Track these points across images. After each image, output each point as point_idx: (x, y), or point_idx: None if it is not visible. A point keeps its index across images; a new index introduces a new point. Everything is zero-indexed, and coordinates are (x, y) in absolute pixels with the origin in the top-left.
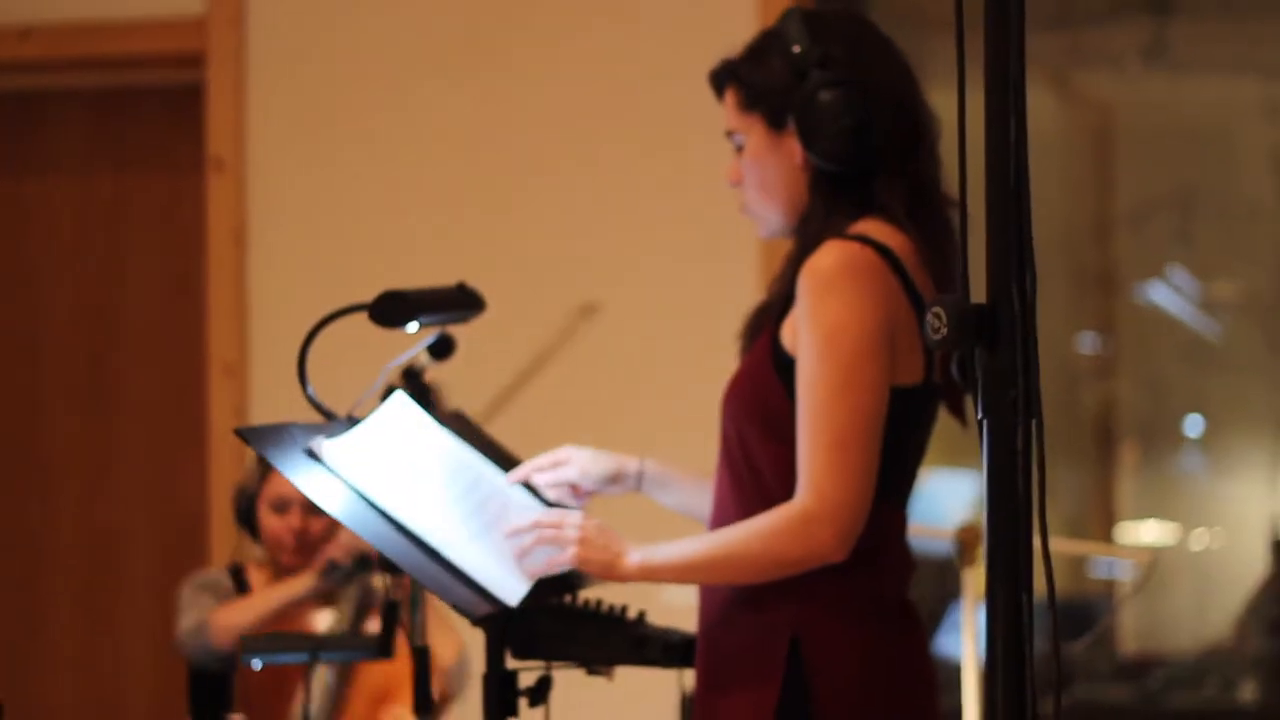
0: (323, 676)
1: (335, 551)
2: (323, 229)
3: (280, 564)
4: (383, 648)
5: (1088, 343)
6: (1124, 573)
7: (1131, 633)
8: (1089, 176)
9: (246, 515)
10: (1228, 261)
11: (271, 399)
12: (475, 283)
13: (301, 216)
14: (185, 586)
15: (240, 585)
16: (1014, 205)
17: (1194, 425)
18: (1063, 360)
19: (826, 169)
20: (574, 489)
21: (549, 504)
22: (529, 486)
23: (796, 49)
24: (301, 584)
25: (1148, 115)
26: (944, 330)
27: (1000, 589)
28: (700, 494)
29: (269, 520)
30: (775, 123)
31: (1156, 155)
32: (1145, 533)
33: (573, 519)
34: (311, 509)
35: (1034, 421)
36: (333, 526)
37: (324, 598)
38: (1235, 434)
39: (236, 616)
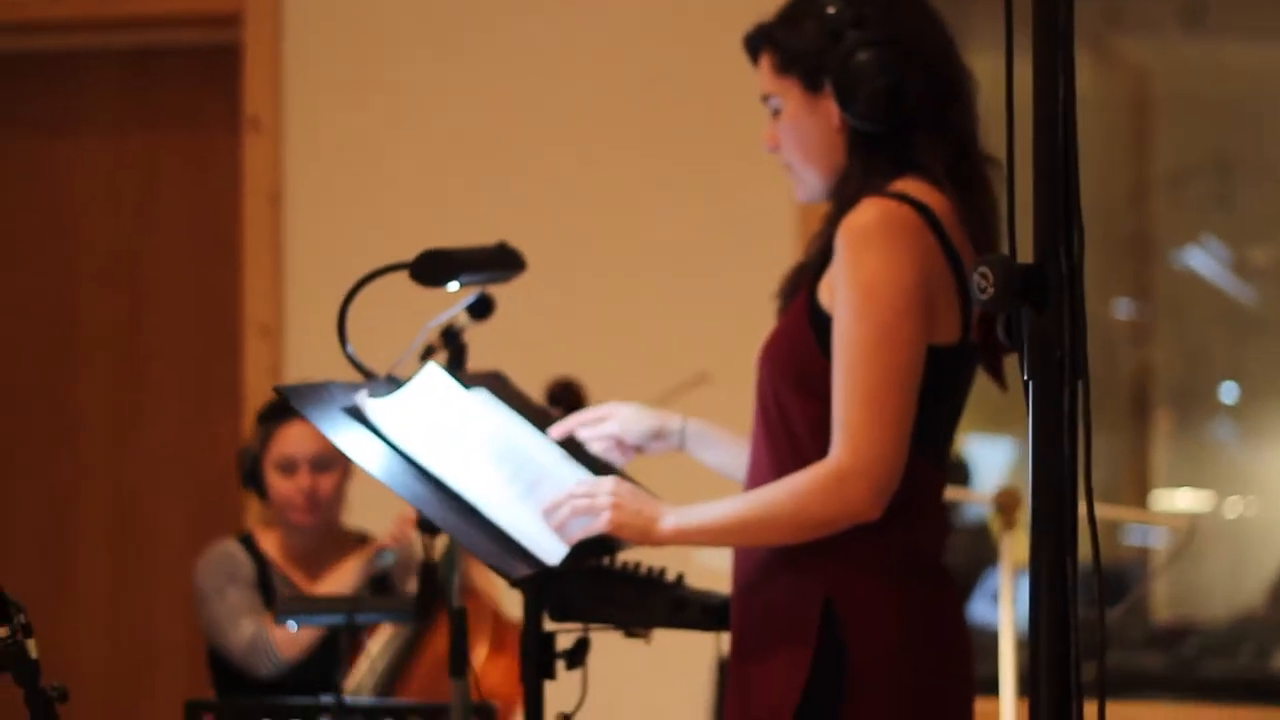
0: (385, 642)
1: (386, 540)
2: (358, 190)
3: (290, 523)
4: (421, 610)
5: (1124, 308)
6: (1158, 540)
7: (1165, 600)
8: (1126, 142)
9: (252, 476)
10: (1265, 227)
11: (307, 361)
12: (511, 243)
13: (337, 178)
14: (202, 573)
15: (255, 555)
16: (1062, 165)
17: (1229, 392)
18: (1098, 326)
19: (864, 129)
20: (618, 444)
21: (591, 464)
22: (573, 446)
23: (831, 10)
24: (351, 573)
25: (1185, 80)
26: (991, 290)
27: (1045, 553)
28: (741, 453)
29: (277, 481)
30: (812, 85)
31: (1193, 121)
32: (1180, 500)
33: (605, 485)
34: (319, 467)
35: (1080, 383)
36: (342, 484)
37: (376, 584)
38: (1271, 401)
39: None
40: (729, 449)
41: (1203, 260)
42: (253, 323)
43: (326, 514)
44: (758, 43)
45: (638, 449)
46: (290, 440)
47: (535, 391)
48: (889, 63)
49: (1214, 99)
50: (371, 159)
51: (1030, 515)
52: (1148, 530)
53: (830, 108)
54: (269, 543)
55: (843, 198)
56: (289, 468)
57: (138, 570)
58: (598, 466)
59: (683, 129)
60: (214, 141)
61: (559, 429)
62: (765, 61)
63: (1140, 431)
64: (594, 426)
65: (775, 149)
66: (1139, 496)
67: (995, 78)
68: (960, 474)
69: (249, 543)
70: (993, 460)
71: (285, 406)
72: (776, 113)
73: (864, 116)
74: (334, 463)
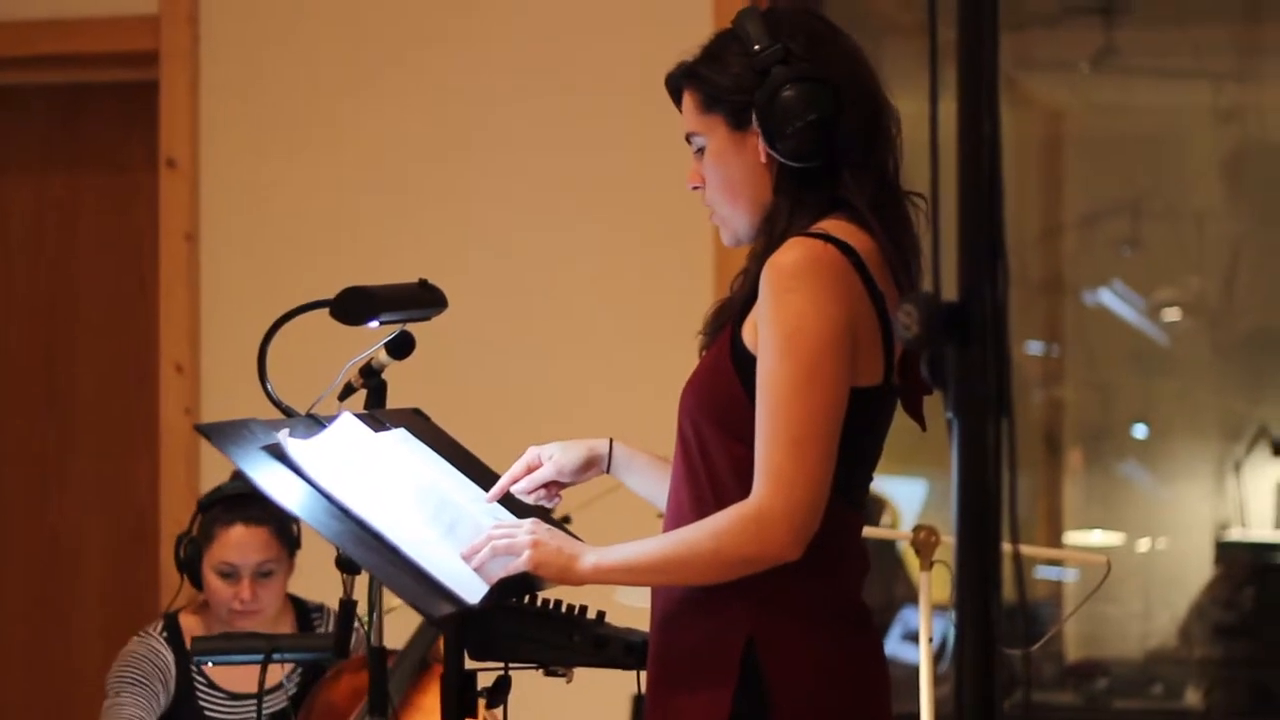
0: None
1: None
2: (275, 229)
3: (220, 620)
4: (339, 648)
5: (1035, 348)
6: (1071, 578)
7: (1077, 638)
8: (1037, 181)
9: (188, 565)
10: (1176, 267)
11: (223, 399)
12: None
13: (254, 216)
14: (112, 670)
15: (177, 647)
16: (987, 202)
17: (1140, 431)
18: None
19: (790, 166)
20: (549, 487)
21: (511, 505)
22: (507, 503)
23: (756, 47)
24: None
25: (1097, 120)
26: (915, 328)
27: (970, 590)
28: (664, 481)
29: (215, 583)
30: (737, 122)
31: (1105, 160)
32: (1092, 540)
33: (525, 525)
34: (262, 575)
35: (1005, 420)
36: (283, 588)
37: None
38: (1181, 439)
39: None
40: (653, 476)
41: (1114, 300)
42: (168, 360)
43: (264, 619)
44: (680, 81)
45: (570, 485)
46: (233, 546)
47: (455, 428)
48: (816, 99)
49: (1125, 139)
50: (288, 199)
51: (956, 554)
52: (1061, 570)
53: (756, 145)
54: (198, 630)
55: (769, 235)
56: (230, 575)
57: (59, 610)
58: (517, 507)
59: (602, 159)
60: (134, 180)
61: (493, 493)
62: (689, 99)
63: (1052, 470)
64: (526, 479)
65: (699, 187)
66: (1051, 535)
67: (915, 119)
68: (875, 510)
69: (174, 632)
70: (908, 499)
71: (229, 498)
72: (700, 151)
73: (791, 153)
74: (277, 568)
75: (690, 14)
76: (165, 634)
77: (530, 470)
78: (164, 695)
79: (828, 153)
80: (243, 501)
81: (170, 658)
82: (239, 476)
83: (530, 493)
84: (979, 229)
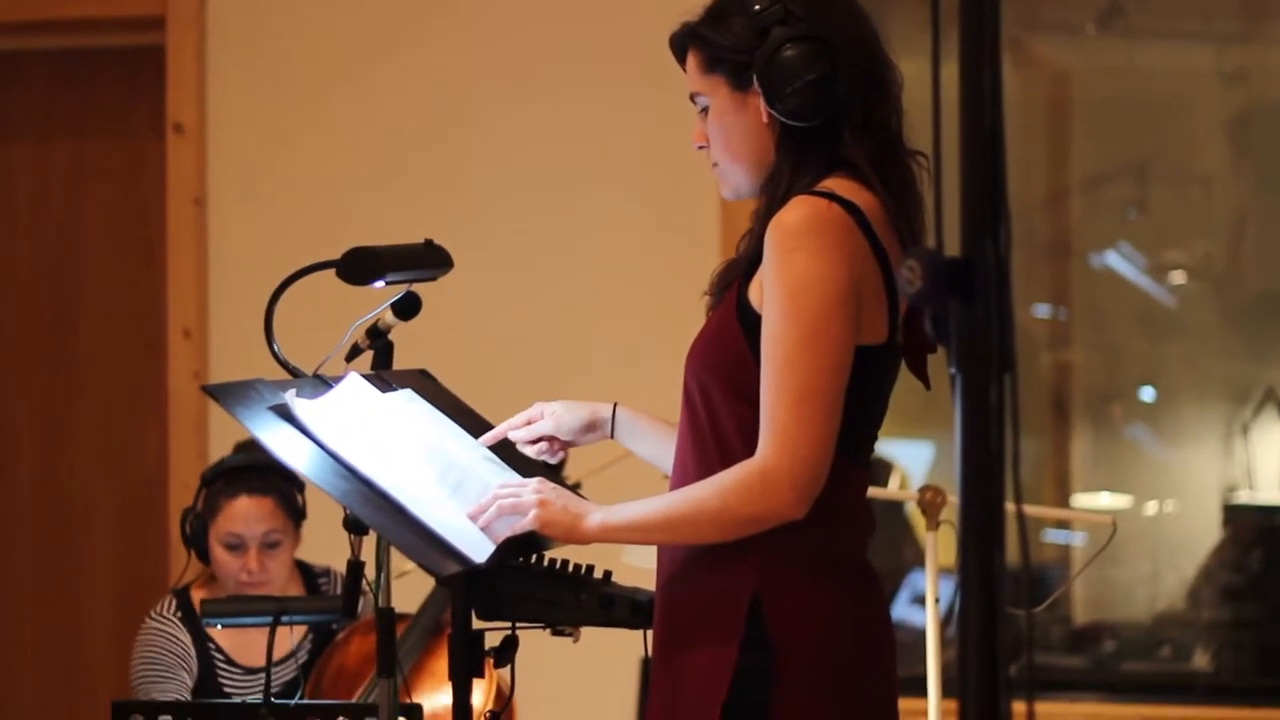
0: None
1: None
2: (282, 195)
3: (229, 593)
4: (347, 608)
5: (1042, 311)
6: (1078, 541)
7: (1084, 601)
8: (1043, 143)
9: (194, 540)
10: (1182, 230)
11: (230, 364)
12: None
13: (261, 182)
14: (135, 656)
15: (190, 618)
16: (989, 157)
17: (1147, 394)
18: (1017, 328)
19: (792, 125)
20: (551, 442)
21: (518, 464)
22: (503, 447)
23: (757, 7)
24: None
25: (1103, 82)
26: (918, 283)
27: (974, 550)
28: (669, 445)
29: (222, 555)
30: (739, 83)
31: (1111, 123)
32: (1099, 503)
33: (531, 484)
34: (268, 545)
35: (1008, 376)
36: (290, 556)
37: None
38: (1189, 402)
39: None
40: (657, 438)
41: (1121, 263)
42: (176, 326)
43: (272, 590)
44: (684, 41)
45: (570, 444)
46: (238, 518)
47: (461, 387)
48: (816, 58)
49: (1132, 101)
50: (295, 164)
51: (959, 509)
52: (1069, 534)
53: (758, 104)
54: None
55: (772, 195)
56: (236, 546)
57: (69, 575)
58: (524, 466)
59: (607, 125)
60: (140, 145)
61: (491, 435)
62: (692, 60)
63: (1059, 434)
64: (525, 429)
65: (703, 147)
66: (1059, 498)
67: (917, 79)
68: (882, 473)
69: (188, 611)
70: (914, 462)
71: (232, 470)
72: (704, 111)
73: (792, 112)
74: (283, 538)
75: None
76: (180, 614)
77: (530, 423)
78: (189, 679)
79: (829, 112)
80: (246, 473)
81: (188, 639)
82: (242, 448)
83: (531, 444)
84: (981, 185)
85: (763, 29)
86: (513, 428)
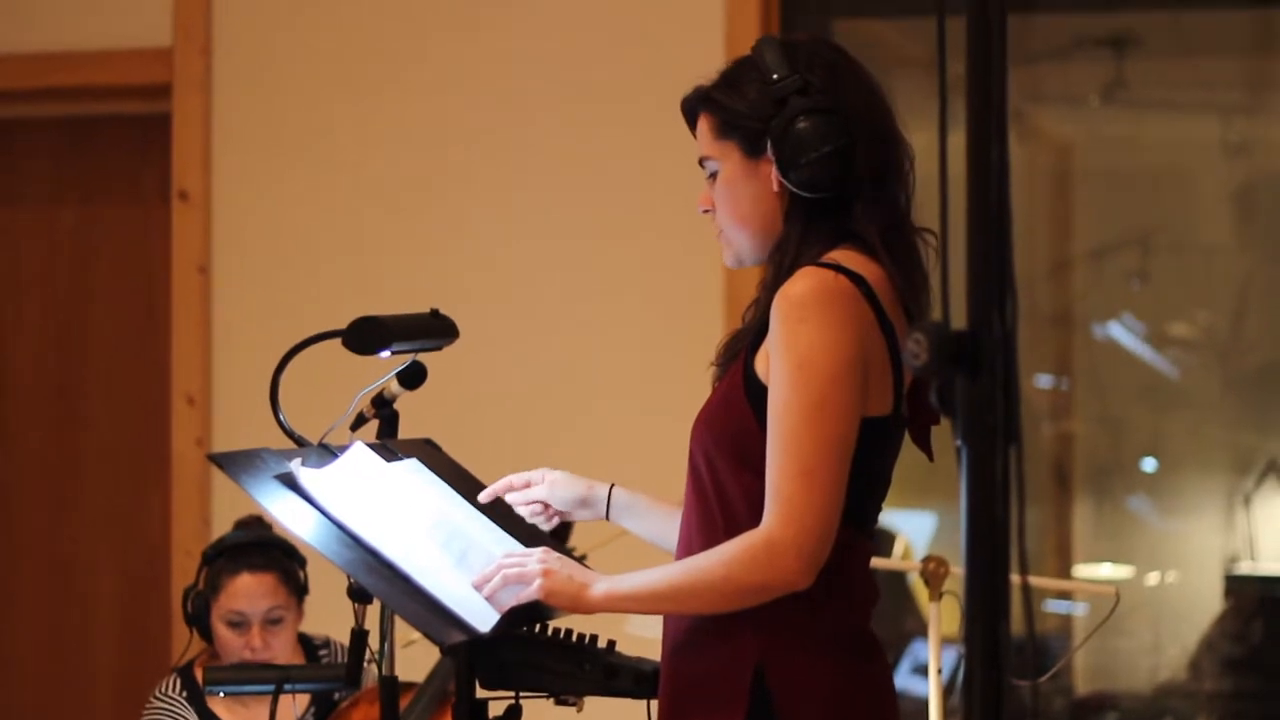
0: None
1: None
2: (287, 261)
3: None
4: (351, 677)
5: (1044, 381)
6: (1080, 611)
7: (1086, 671)
8: (1047, 214)
9: (197, 618)
10: (1185, 301)
11: (234, 431)
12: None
13: (266, 248)
14: None
15: (195, 697)
16: (996, 230)
17: (1149, 465)
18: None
19: (802, 196)
20: (545, 508)
21: (521, 534)
22: (503, 513)
23: (775, 76)
24: None
25: (1106, 153)
26: (924, 356)
27: (979, 621)
28: (669, 523)
29: (225, 633)
30: (752, 149)
31: (1115, 193)
32: (1101, 574)
33: (536, 554)
34: (271, 622)
35: (1014, 449)
36: (294, 634)
37: None
38: (1191, 472)
39: None
40: (657, 518)
41: (1123, 334)
42: (180, 392)
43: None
44: (696, 105)
45: (562, 515)
46: (241, 595)
47: (466, 455)
48: (833, 131)
49: (1135, 172)
50: (300, 231)
51: (965, 580)
52: (1071, 604)
53: (769, 173)
54: None
55: (779, 265)
56: (239, 624)
57: (73, 640)
58: (529, 536)
59: (610, 199)
60: (147, 211)
61: (490, 491)
62: (704, 124)
63: (1061, 504)
64: (521, 491)
65: (709, 211)
66: (1060, 568)
67: (924, 150)
68: (885, 543)
69: (193, 690)
70: (917, 532)
71: (234, 547)
72: (712, 176)
73: (804, 183)
74: (286, 614)
75: (701, 44)
76: (185, 693)
77: (527, 485)
78: None
79: (841, 185)
80: (247, 550)
81: (194, 718)
82: (243, 525)
83: (525, 505)
84: (988, 257)
85: (780, 98)
86: (512, 487)
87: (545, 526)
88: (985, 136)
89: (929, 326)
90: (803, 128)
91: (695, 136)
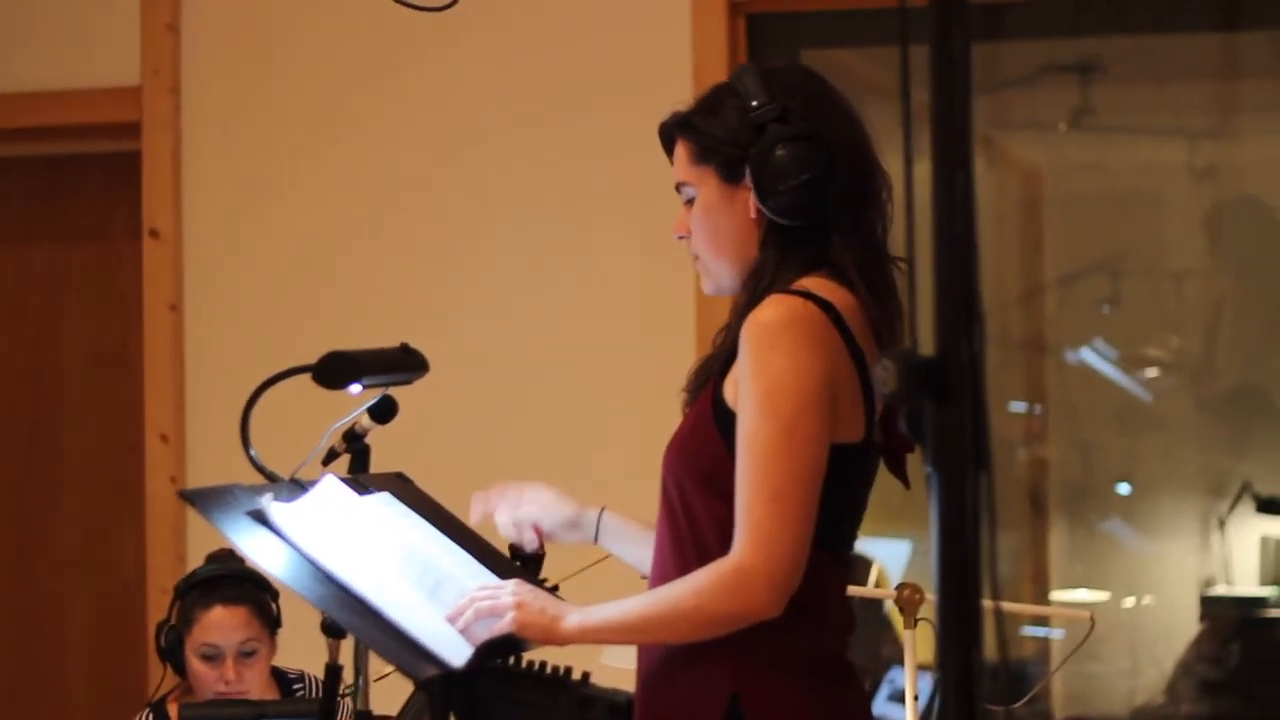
0: None
1: None
2: (258, 299)
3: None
4: (325, 713)
5: (1017, 408)
6: (1057, 635)
7: (1063, 696)
8: (1016, 241)
9: (170, 653)
10: (1156, 324)
11: (208, 468)
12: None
13: (237, 286)
14: None
15: None
16: (962, 258)
17: (1124, 489)
18: (992, 426)
19: (780, 223)
20: (533, 527)
21: (495, 566)
22: (479, 547)
23: (754, 102)
24: None
25: (1075, 179)
26: (893, 382)
27: (952, 647)
28: None
29: (199, 667)
30: (729, 175)
31: (1084, 219)
32: (1077, 598)
33: (508, 586)
34: (245, 654)
35: (984, 474)
36: (267, 666)
37: None
38: (1165, 496)
39: None
40: (645, 544)
41: (1095, 358)
42: (153, 430)
43: (250, 698)
44: (674, 130)
45: (550, 536)
46: (214, 628)
47: (437, 488)
48: (812, 159)
49: (1104, 197)
50: (271, 268)
51: (937, 607)
52: (1048, 629)
53: (747, 199)
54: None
55: (753, 291)
56: (213, 657)
57: (44, 680)
58: (502, 568)
59: (580, 229)
60: (118, 249)
61: (478, 508)
62: (681, 149)
63: (1036, 529)
64: (512, 511)
65: (685, 237)
66: (1036, 594)
67: (893, 178)
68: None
69: (160, 711)
70: (893, 559)
71: (206, 581)
72: (689, 202)
73: (782, 210)
74: (260, 647)
75: (670, 74)
76: (153, 712)
77: (519, 499)
78: None
79: (818, 213)
80: (219, 583)
81: None
82: (214, 559)
83: (512, 522)
84: (954, 284)
85: (759, 125)
86: (503, 497)
87: (530, 545)
88: (951, 165)
89: (897, 353)
90: (781, 155)
91: (672, 162)
